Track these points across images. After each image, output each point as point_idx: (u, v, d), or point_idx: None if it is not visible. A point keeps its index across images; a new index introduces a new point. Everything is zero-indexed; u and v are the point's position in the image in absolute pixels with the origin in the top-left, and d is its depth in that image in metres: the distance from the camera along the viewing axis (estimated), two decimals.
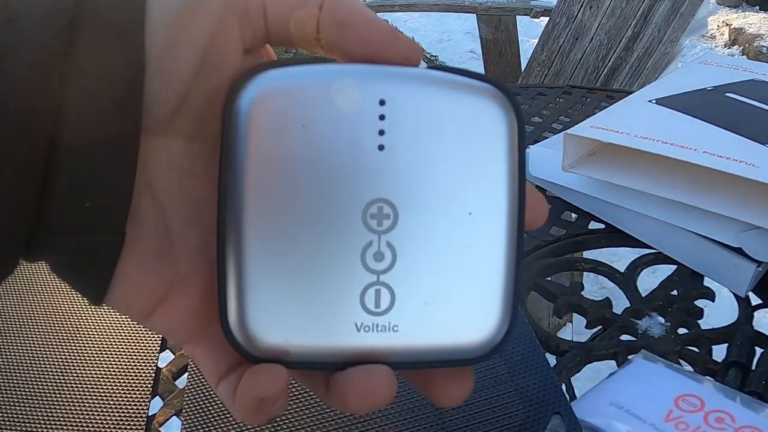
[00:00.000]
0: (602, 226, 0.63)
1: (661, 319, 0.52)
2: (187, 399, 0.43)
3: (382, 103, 0.22)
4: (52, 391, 0.45)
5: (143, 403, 0.44)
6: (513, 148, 0.22)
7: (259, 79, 0.22)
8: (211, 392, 0.43)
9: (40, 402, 0.44)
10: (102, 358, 0.47)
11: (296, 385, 0.42)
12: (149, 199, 0.22)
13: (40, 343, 0.49)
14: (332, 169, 0.22)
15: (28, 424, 0.42)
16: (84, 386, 0.45)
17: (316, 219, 0.22)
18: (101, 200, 0.20)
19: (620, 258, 0.71)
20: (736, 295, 0.54)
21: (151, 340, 0.49)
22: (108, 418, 0.42)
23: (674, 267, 0.57)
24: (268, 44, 0.24)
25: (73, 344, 0.48)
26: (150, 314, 0.23)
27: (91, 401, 0.44)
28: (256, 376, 0.22)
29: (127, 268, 0.22)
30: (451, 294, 0.22)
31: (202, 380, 0.45)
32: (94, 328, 0.50)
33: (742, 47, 3.41)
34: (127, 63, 0.20)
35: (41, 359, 0.47)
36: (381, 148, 0.22)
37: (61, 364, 0.47)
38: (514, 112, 0.22)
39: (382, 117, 0.22)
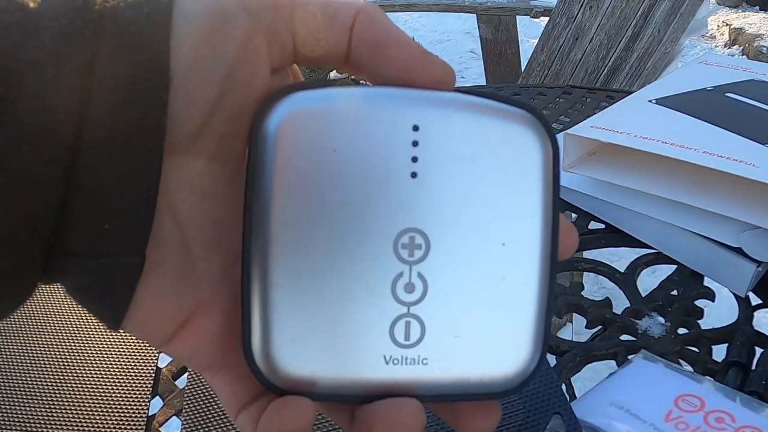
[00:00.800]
0: (602, 226, 0.63)
1: (661, 319, 0.52)
2: (187, 399, 0.43)
3: (415, 128, 0.21)
4: (52, 391, 0.45)
5: (143, 403, 0.44)
6: (548, 177, 0.22)
7: (288, 101, 0.21)
8: (212, 392, 0.43)
9: (41, 402, 0.44)
10: (102, 358, 0.47)
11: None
12: (170, 221, 0.21)
13: (40, 343, 0.49)
14: (363, 197, 0.21)
15: (28, 424, 0.42)
16: (84, 386, 0.45)
17: (346, 247, 0.21)
18: (121, 222, 0.19)
19: (620, 258, 0.71)
20: (736, 295, 0.54)
21: None
22: (108, 418, 0.42)
23: (674, 267, 0.57)
24: (295, 64, 0.23)
25: (73, 344, 0.48)
26: (170, 340, 0.22)
27: (91, 401, 0.44)
28: (281, 409, 0.21)
29: (147, 291, 0.21)
30: (481, 327, 0.22)
31: (202, 380, 0.45)
32: (95, 328, 0.50)
33: (742, 47, 3.41)
34: (151, 79, 0.19)
35: (42, 359, 0.47)
36: (414, 175, 0.21)
37: (61, 364, 0.47)
38: (549, 139, 0.22)
39: (415, 143, 0.21)
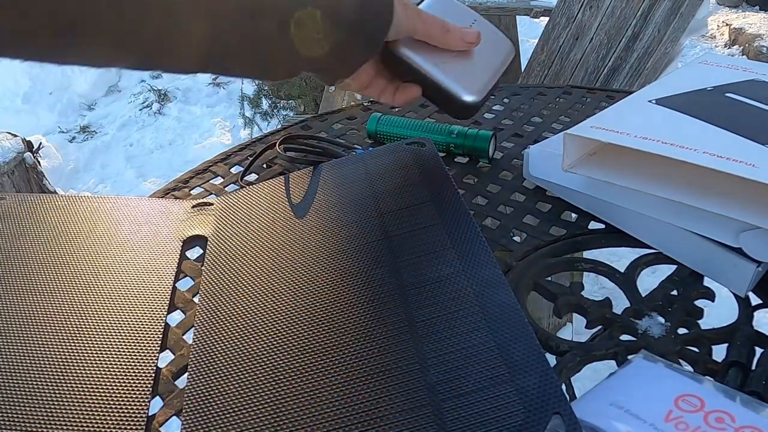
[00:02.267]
0: (602, 226, 0.63)
1: (661, 319, 0.52)
2: (187, 399, 0.43)
3: None
4: (52, 391, 0.45)
5: (143, 403, 0.44)
6: None
7: None
8: (212, 392, 0.43)
9: (41, 402, 0.44)
10: (102, 358, 0.47)
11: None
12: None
13: (40, 343, 0.49)
14: None
15: (28, 424, 0.42)
16: (84, 386, 0.45)
17: None
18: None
19: (620, 258, 0.71)
20: (736, 295, 0.54)
21: (150, 340, 0.49)
22: (108, 418, 0.42)
23: (674, 267, 0.57)
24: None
25: (73, 344, 0.48)
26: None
27: (91, 401, 0.44)
28: None
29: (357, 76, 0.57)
30: None
31: (202, 380, 0.45)
32: (94, 328, 0.50)
33: (742, 47, 3.41)
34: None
35: (41, 359, 0.47)
36: None
37: (61, 364, 0.47)
38: None
39: None
